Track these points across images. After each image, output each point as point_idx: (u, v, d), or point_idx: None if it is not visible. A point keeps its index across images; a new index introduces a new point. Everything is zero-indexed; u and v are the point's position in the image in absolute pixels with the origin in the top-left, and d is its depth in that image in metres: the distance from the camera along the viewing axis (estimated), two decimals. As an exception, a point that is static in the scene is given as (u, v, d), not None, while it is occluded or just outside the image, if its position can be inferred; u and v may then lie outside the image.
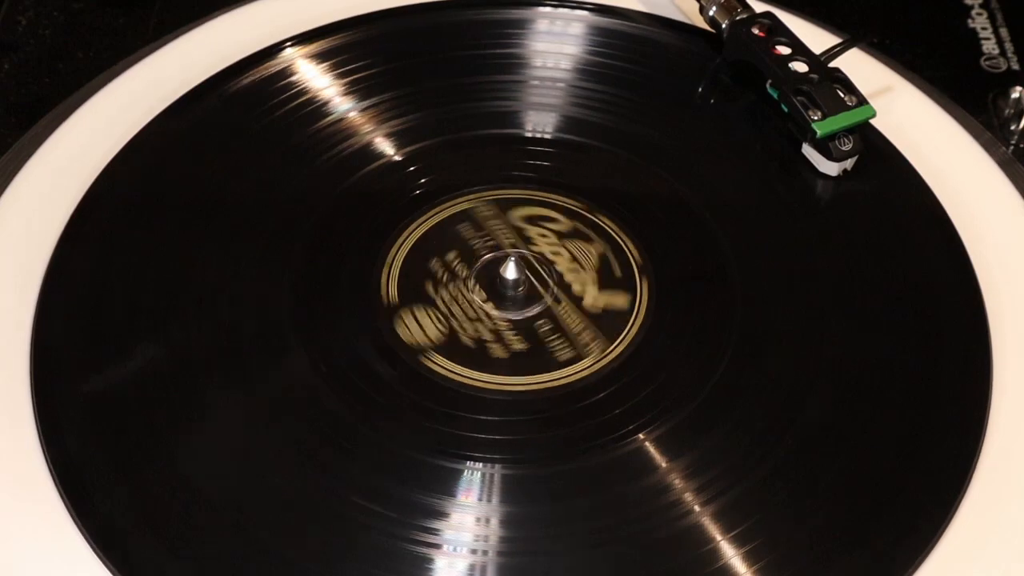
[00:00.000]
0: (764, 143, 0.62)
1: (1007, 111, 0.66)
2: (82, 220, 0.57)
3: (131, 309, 0.55)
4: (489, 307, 0.56)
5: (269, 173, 0.60)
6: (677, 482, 0.50)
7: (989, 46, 0.71)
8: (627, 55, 0.66)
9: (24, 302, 0.55)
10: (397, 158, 0.61)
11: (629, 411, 0.52)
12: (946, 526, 0.49)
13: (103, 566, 0.47)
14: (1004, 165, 0.62)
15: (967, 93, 0.67)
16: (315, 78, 0.64)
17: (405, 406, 0.52)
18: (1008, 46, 0.71)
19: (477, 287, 0.56)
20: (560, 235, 0.58)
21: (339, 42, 0.65)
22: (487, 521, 0.49)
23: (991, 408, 0.52)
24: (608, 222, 0.58)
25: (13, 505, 0.49)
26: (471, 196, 0.60)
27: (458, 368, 0.53)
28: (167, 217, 0.58)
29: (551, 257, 0.57)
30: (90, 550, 0.47)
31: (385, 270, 0.57)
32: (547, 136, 0.63)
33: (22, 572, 0.47)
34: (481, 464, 0.50)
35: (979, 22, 0.72)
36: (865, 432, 0.52)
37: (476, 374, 0.53)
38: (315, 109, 0.62)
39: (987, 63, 0.70)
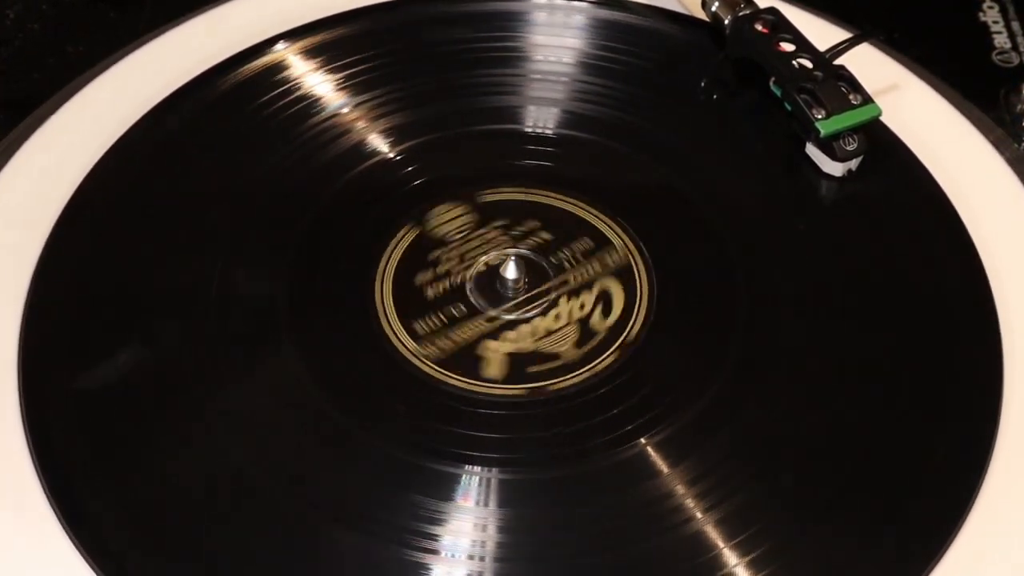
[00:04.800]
0: (767, 142, 0.62)
1: (1019, 107, 0.66)
2: (72, 217, 0.57)
3: (122, 308, 0.55)
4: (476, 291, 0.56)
5: (263, 169, 0.60)
6: (679, 488, 0.49)
7: (1000, 40, 0.70)
8: (627, 49, 0.65)
9: (13, 300, 0.54)
10: (390, 157, 0.61)
11: (630, 415, 0.51)
12: (954, 536, 0.48)
13: (91, 569, 0.47)
14: (1015, 163, 0.61)
15: (978, 89, 0.66)
16: (310, 74, 0.64)
17: (401, 407, 0.52)
18: (1020, 40, 0.70)
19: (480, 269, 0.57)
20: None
21: (335, 36, 0.65)
22: (484, 527, 0.48)
23: (1002, 412, 0.52)
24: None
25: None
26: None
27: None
28: (158, 214, 0.58)
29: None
30: (77, 553, 0.47)
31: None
32: (549, 133, 0.62)
33: (12, 574, 0.47)
34: (479, 468, 0.50)
35: (990, 16, 0.72)
36: (872, 436, 0.51)
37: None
38: (309, 104, 0.62)
39: (998, 58, 0.69)
